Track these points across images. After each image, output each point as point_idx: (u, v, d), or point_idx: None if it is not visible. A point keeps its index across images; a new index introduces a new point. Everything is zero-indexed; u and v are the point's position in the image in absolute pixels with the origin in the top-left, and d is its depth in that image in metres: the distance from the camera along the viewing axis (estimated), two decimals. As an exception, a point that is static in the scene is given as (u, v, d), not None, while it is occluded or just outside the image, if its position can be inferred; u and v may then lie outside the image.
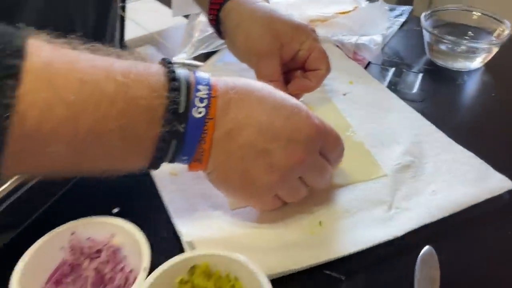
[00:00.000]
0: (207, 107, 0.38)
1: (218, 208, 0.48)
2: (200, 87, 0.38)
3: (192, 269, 0.38)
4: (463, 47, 0.67)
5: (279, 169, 0.40)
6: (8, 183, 0.47)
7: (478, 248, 0.44)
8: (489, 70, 0.70)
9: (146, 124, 0.36)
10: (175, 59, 0.83)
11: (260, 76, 0.58)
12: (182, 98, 0.37)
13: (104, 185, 0.50)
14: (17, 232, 0.45)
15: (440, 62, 0.71)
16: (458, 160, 0.53)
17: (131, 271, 0.40)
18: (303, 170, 0.42)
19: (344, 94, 0.65)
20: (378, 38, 0.72)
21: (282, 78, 0.59)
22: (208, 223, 0.46)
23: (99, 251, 0.41)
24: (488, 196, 0.48)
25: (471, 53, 0.68)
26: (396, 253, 0.44)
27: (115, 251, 0.41)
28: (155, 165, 0.40)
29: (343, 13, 0.78)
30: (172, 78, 0.37)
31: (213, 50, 0.77)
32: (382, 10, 0.78)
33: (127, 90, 0.35)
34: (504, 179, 0.50)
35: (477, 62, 0.69)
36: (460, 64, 0.69)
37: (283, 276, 0.41)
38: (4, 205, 0.47)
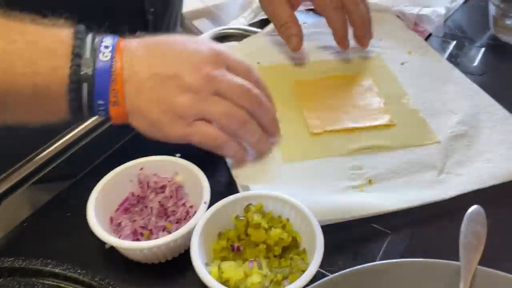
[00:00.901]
0: (113, 51, 0.41)
1: (271, 162, 0.50)
2: (105, 39, 0.42)
3: (247, 207, 0.41)
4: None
5: (190, 86, 0.42)
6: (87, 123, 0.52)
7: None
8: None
9: (52, 68, 0.40)
10: (233, 23, 0.86)
11: (275, 19, 0.63)
12: (88, 46, 0.41)
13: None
14: (92, 166, 0.50)
15: (504, 37, 0.69)
16: (514, 133, 0.53)
17: (191, 206, 0.44)
18: (214, 83, 0.43)
19: (402, 64, 0.65)
20: (441, 10, 0.71)
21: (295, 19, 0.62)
22: (261, 172, 0.49)
23: (163, 187, 0.45)
24: (543, 168, 0.48)
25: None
26: (443, 214, 0.45)
27: (178, 188, 0.45)
28: (75, 112, 0.42)
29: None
30: (78, 31, 0.42)
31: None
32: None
33: (35, 42, 0.40)
34: None
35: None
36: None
37: (331, 225, 0.43)
38: (83, 142, 0.52)
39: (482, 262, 0.36)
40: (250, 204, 0.41)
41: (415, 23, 0.72)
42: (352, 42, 0.63)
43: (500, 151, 0.50)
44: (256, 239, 0.39)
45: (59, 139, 0.53)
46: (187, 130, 0.44)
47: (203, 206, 0.40)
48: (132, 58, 0.42)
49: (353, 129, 0.54)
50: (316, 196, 0.45)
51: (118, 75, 0.41)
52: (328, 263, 0.40)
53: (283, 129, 0.53)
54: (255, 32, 0.80)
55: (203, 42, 0.48)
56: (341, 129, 0.54)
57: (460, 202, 0.45)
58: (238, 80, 0.45)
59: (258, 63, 0.66)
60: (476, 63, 0.66)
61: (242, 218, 0.40)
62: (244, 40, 0.74)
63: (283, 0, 0.60)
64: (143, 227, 0.42)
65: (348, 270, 0.36)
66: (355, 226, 0.44)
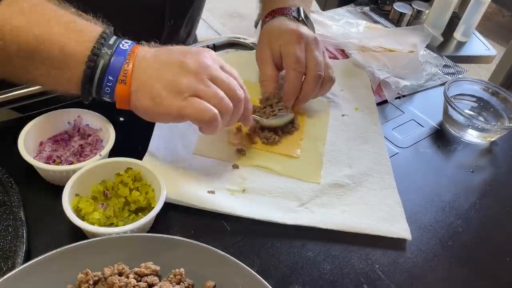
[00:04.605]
0: (131, 46, 0.52)
1: (184, 150, 0.63)
2: (126, 39, 0.53)
3: (127, 169, 0.54)
4: (470, 122, 0.72)
5: (190, 70, 0.52)
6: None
7: (330, 261, 0.54)
8: (491, 148, 0.75)
9: (80, 41, 0.50)
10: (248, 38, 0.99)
11: (260, 74, 0.73)
12: (113, 38, 0.51)
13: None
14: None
15: (448, 126, 0.76)
16: (385, 201, 0.61)
17: (100, 155, 0.57)
18: (211, 71, 0.53)
19: (343, 115, 0.74)
20: (402, 82, 0.80)
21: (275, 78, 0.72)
22: (168, 154, 0.62)
23: (89, 135, 0.59)
24: (381, 234, 0.57)
25: (476, 129, 0.73)
26: (277, 233, 0.55)
27: (98, 140, 0.59)
28: (85, 85, 0.50)
29: (393, 51, 0.86)
30: (109, 27, 0.52)
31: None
32: (417, 63, 0.84)
33: (74, 21, 0.51)
34: (407, 229, 0.58)
35: (479, 138, 0.74)
36: (464, 135, 0.74)
37: (193, 210, 0.56)
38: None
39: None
40: (131, 168, 0.54)
41: (378, 85, 0.81)
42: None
43: (358, 209, 0.59)
44: (120, 193, 0.52)
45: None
46: (183, 103, 0.51)
47: (97, 157, 0.54)
48: (146, 52, 0.53)
49: (263, 149, 0.65)
50: (189, 184, 0.57)
51: (132, 58, 0.51)
52: (169, 233, 0.52)
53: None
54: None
55: (204, 49, 0.56)
56: (253, 147, 0.66)
57: (298, 232, 0.56)
58: (230, 78, 0.55)
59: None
60: (407, 137, 0.74)
61: (120, 175, 0.54)
62: (238, 51, 0.87)
63: (269, 60, 0.71)
64: (58, 157, 0.56)
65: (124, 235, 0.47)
66: (210, 217, 0.56)
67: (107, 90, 0.51)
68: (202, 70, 0.52)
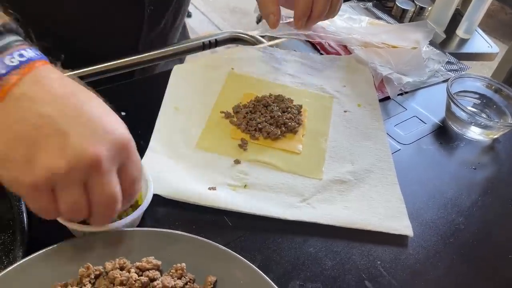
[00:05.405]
0: (24, 63, 0.36)
1: (186, 145, 0.63)
2: (29, 51, 0.37)
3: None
4: (473, 118, 0.71)
5: (70, 154, 0.35)
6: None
7: (332, 257, 0.54)
8: (493, 146, 0.74)
9: None
10: (250, 32, 0.98)
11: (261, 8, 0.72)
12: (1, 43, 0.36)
13: (121, 96, 0.68)
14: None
15: (451, 123, 0.76)
16: (387, 198, 0.61)
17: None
18: (91, 173, 0.36)
19: (345, 111, 0.74)
20: (405, 79, 0.79)
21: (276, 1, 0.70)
22: (169, 149, 0.61)
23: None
24: (383, 230, 0.56)
25: (479, 126, 0.72)
26: (280, 229, 0.55)
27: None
28: None
29: (396, 47, 0.86)
30: (4, 25, 0.37)
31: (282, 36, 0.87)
32: (420, 60, 0.83)
33: None
34: (408, 226, 0.57)
35: (481, 135, 0.73)
36: (467, 132, 0.74)
37: (195, 205, 0.55)
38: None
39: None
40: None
41: (381, 81, 0.80)
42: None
43: (359, 205, 0.59)
44: (122, 187, 0.52)
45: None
46: (27, 189, 0.36)
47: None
48: (35, 83, 0.36)
49: (265, 145, 0.65)
50: (191, 178, 0.57)
51: (7, 86, 0.35)
52: (170, 228, 0.52)
53: (216, 124, 0.66)
54: (262, 42, 0.93)
55: (119, 125, 0.41)
56: (254, 142, 0.65)
57: (300, 228, 0.55)
58: (112, 191, 0.38)
59: (232, 68, 0.78)
60: (409, 133, 0.73)
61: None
62: (240, 46, 0.87)
63: None
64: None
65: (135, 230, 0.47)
66: (211, 214, 0.56)
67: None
68: (80, 163, 0.36)
